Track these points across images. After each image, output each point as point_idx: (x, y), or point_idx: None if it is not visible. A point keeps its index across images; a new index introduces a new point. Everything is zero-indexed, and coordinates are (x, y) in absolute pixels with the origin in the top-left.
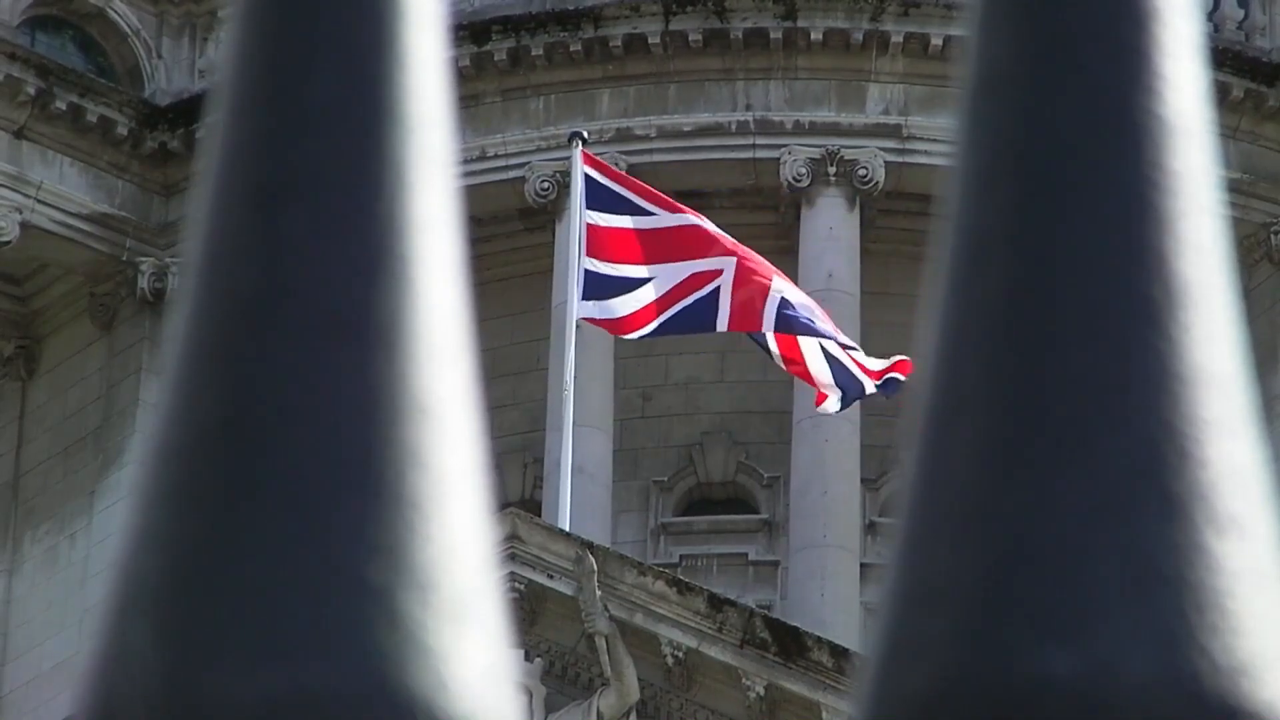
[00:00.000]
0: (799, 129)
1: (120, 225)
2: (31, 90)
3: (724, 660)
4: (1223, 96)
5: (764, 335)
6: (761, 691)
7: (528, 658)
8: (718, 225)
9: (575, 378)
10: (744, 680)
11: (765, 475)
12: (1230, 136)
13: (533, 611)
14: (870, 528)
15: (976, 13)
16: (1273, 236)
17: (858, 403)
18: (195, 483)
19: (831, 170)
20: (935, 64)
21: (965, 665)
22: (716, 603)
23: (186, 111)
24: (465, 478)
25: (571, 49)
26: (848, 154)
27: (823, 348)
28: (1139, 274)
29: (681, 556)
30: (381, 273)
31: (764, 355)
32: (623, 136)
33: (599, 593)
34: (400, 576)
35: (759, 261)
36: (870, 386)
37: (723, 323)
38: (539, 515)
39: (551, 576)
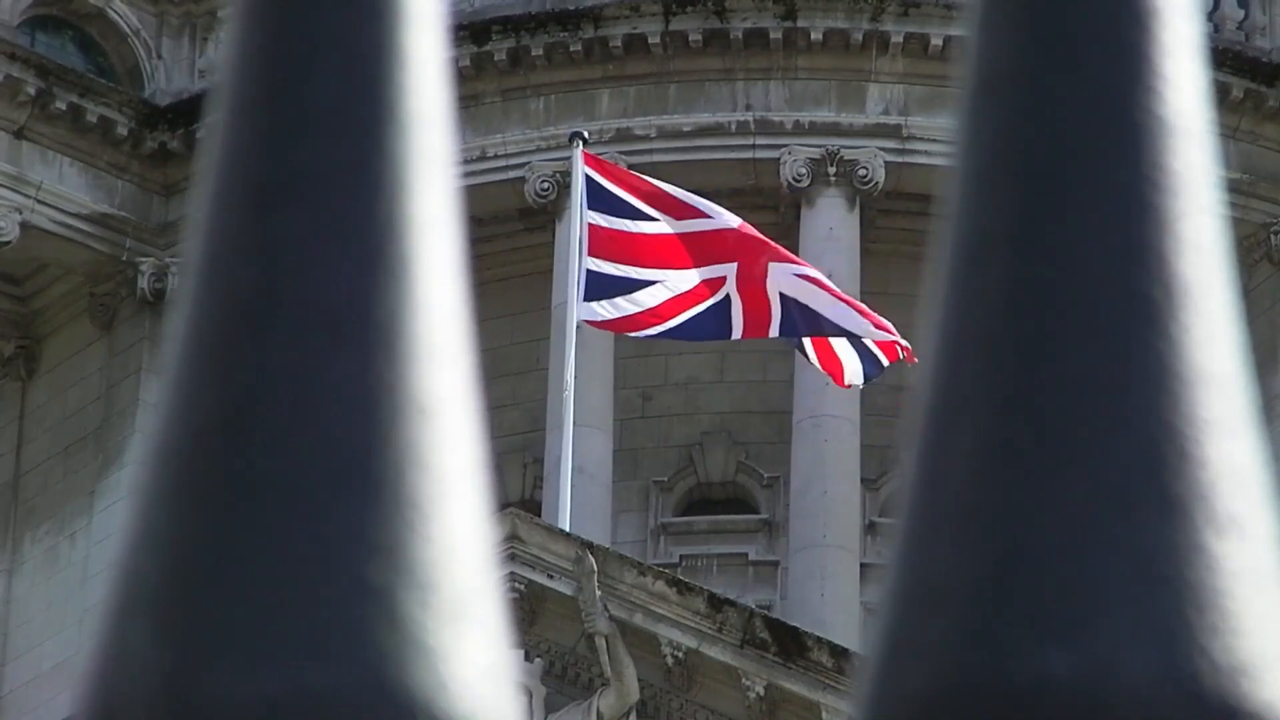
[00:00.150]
0: (799, 129)
1: (120, 225)
2: (31, 90)
3: (724, 660)
4: (1223, 96)
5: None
6: (761, 691)
7: (528, 658)
8: None
9: (575, 378)
10: (744, 680)
11: (765, 475)
12: (1230, 136)
13: (533, 611)
14: (870, 528)
15: (976, 13)
16: (1273, 236)
17: (858, 403)
18: (195, 483)
19: (831, 170)
20: (935, 64)
21: (965, 665)
22: (716, 603)
23: (186, 111)
24: (465, 478)
25: (571, 49)
26: (848, 154)
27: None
28: (1139, 274)
29: (681, 556)
30: (381, 273)
31: (764, 355)
32: (623, 136)
33: (599, 593)
34: (400, 576)
35: (756, 250)
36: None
37: (737, 330)
38: (539, 515)
39: (551, 576)
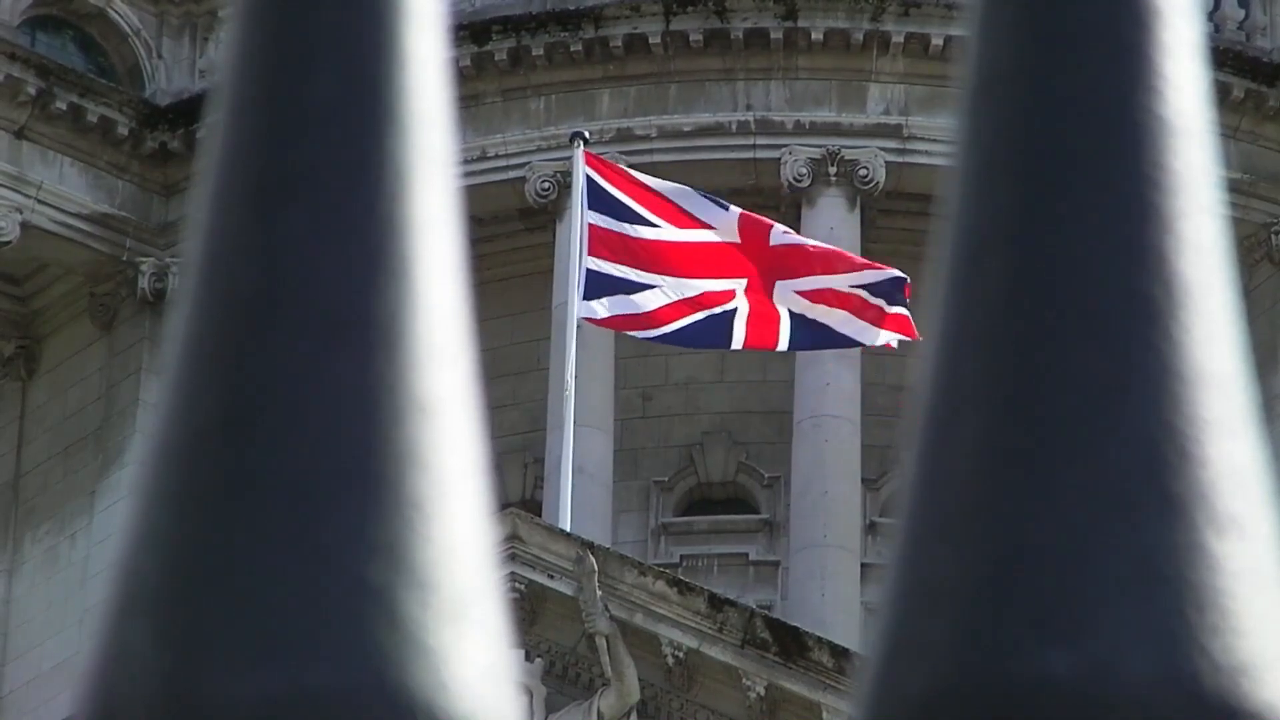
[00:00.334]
0: (799, 129)
1: (120, 225)
2: (32, 90)
3: (724, 660)
4: (1223, 96)
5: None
6: (762, 692)
7: (528, 658)
8: None
9: (575, 378)
10: (744, 680)
11: (765, 475)
12: (1230, 136)
13: (533, 611)
14: (870, 528)
15: (976, 13)
16: (1273, 236)
17: (858, 403)
18: (195, 483)
19: (832, 170)
20: (935, 64)
21: (965, 665)
22: (717, 603)
23: (186, 111)
24: (465, 478)
25: (572, 49)
26: (848, 154)
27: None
28: (1139, 274)
29: (682, 556)
30: (381, 273)
31: (764, 356)
32: (623, 136)
33: (599, 593)
34: (400, 576)
35: (763, 263)
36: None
37: (738, 341)
38: (539, 515)
39: (552, 576)
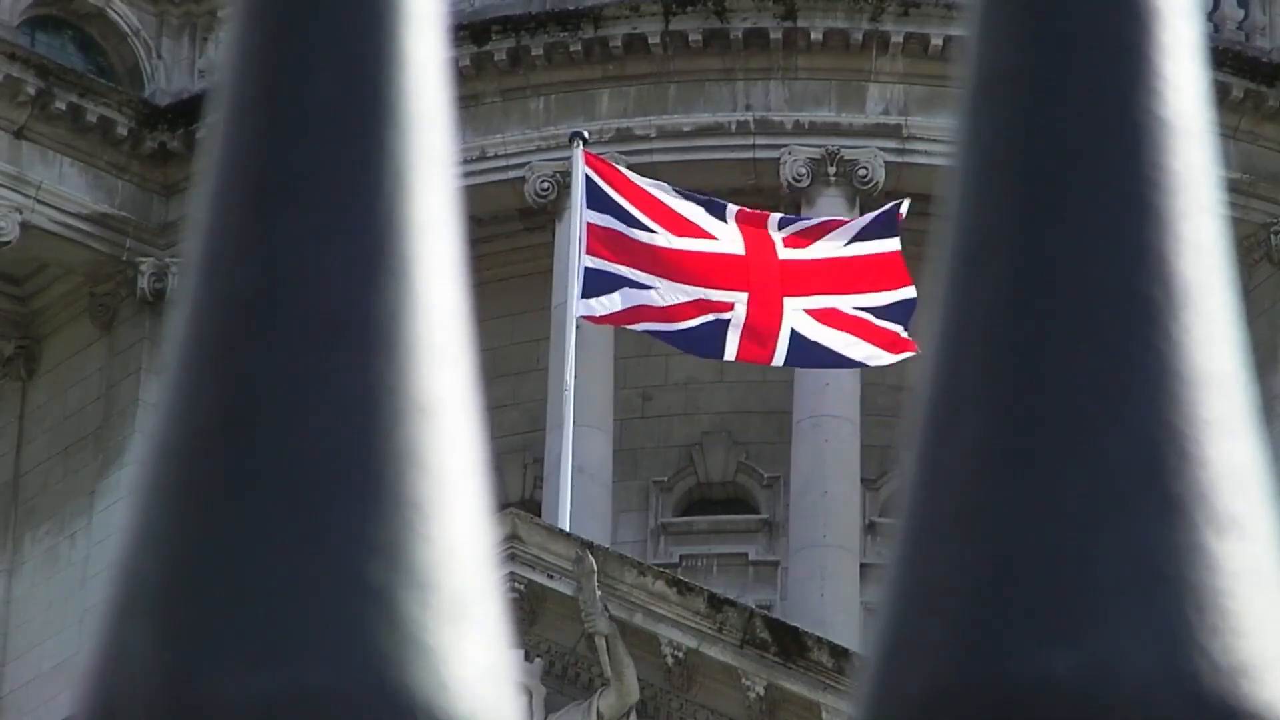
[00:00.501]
0: (799, 129)
1: (120, 225)
2: (31, 90)
3: (724, 660)
4: (1223, 96)
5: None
6: (761, 691)
7: (528, 658)
8: None
9: (575, 378)
10: (744, 680)
11: (765, 475)
12: (1230, 136)
13: (533, 611)
14: (870, 528)
15: (976, 13)
16: (1273, 236)
17: (858, 403)
18: (195, 483)
19: (831, 170)
20: (935, 64)
21: (965, 665)
22: (716, 603)
23: (186, 111)
24: (465, 478)
25: (571, 49)
26: (848, 154)
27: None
28: (1139, 274)
29: (681, 556)
30: (381, 273)
31: None
32: (623, 136)
33: (599, 593)
34: (400, 576)
35: (769, 278)
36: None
37: (730, 353)
38: (539, 515)
39: (551, 576)
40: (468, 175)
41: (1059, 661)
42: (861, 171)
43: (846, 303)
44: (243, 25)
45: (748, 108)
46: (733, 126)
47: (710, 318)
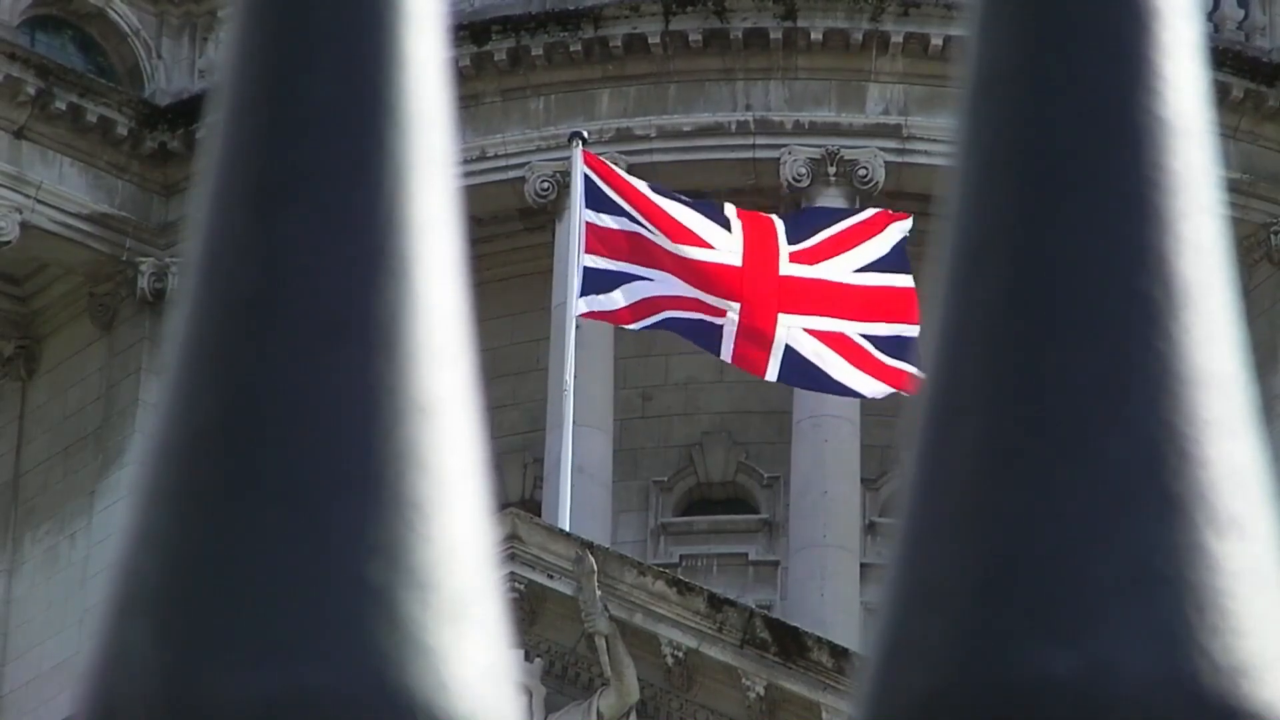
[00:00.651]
0: (799, 129)
1: (120, 225)
2: (31, 90)
3: (724, 660)
4: (1223, 96)
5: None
6: (761, 691)
7: (528, 658)
8: None
9: (575, 377)
10: (744, 680)
11: (765, 475)
12: (1230, 136)
13: (533, 611)
14: (870, 528)
15: (976, 13)
16: (1273, 236)
17: (858, 403)
18: (195, 483)
19: (831, 170)
20: (935, 64)
21: (965, 665)
22: (716, 603)
23: (186, 111)
24: (465, 478)
25: (571, 49)
26: (848, 154)
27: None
28: (1139, 274)
29: (681, 556)
30: (381, 273)
31: None
32: (623, 136)
33: (599, 593)
34: (400, 576)
35: (764, 292)
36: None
37: (727, 354)
38: (539, 515)
39: (551, 576)
40: (468, 175)
41: (1059, 661)
42: (861, 171)
43: (852, 328)
44: (243, 25)
45: (748, 108)
46: (733, 126)
47: (706, 317)
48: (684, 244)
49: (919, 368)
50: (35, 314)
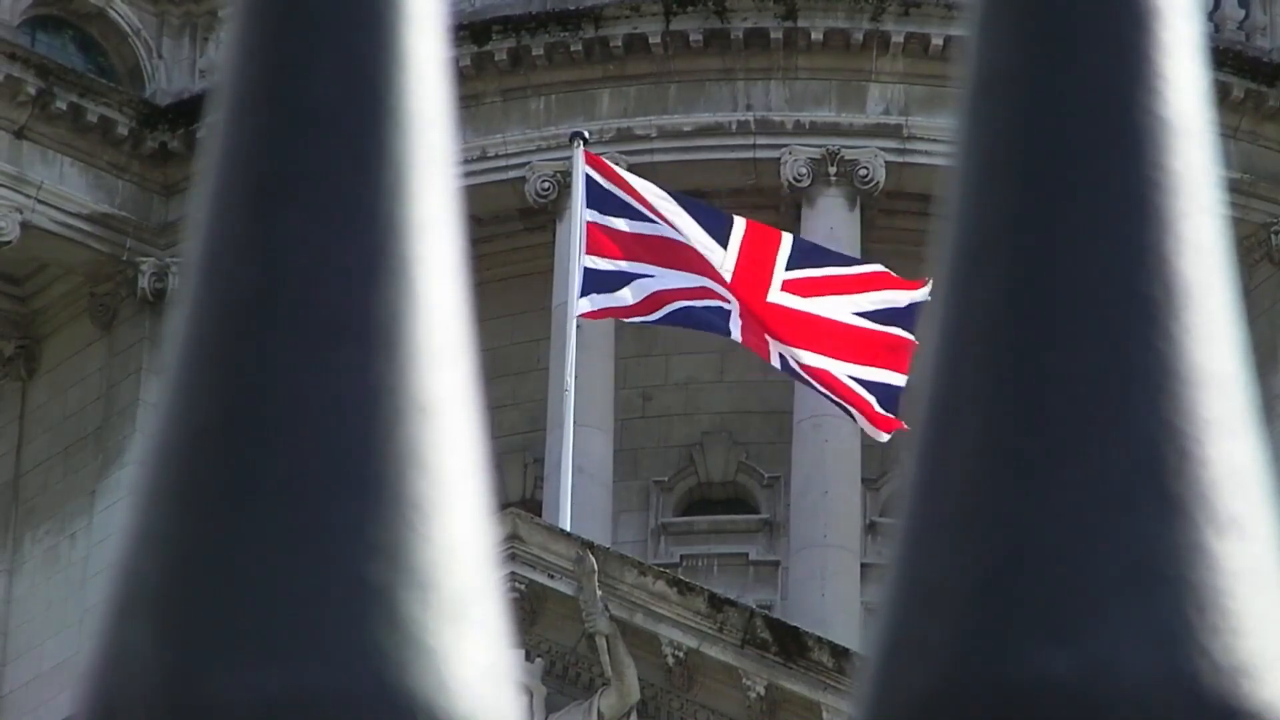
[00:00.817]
0: (799, 129)
1: (120, 225)
2: (32, 90)
3: (724, 660)
4: (1223, 96)
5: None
6: (762, 691)
7: (528, 658)
8: None
9: (575, 378)
10: (744, 680)
11: (765, 475)
12: (1230, 136)
13: (533, 611)
14: (871, 528)
15: (976, 13)
16: (1273, 236)
17: None
18: (195, 483)
19: (832, 170)
20: (935, 64)
21: (965, 665)
22: (717, 603)
23: (187, 111)
24: (465, 478)
25: (572, 49)
26: (848, 154)
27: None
28: (1139, 274)
29: (682, 556)
30: (381, 273)
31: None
32: (623, 136)
33: (599, 593)
34: (400, 576)
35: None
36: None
37: (736, 334)
38: (539, 515)
39: (552, 576)
40: (468, 175)
41: (1059, 661)
42: (862, 171)
43: (839, 368)
44: (243, 25)
45: (748, 108)
46: (733, 126)
47: (714, 302)
48: (685, 235)
49: (905, 413)
50: (35, 314)
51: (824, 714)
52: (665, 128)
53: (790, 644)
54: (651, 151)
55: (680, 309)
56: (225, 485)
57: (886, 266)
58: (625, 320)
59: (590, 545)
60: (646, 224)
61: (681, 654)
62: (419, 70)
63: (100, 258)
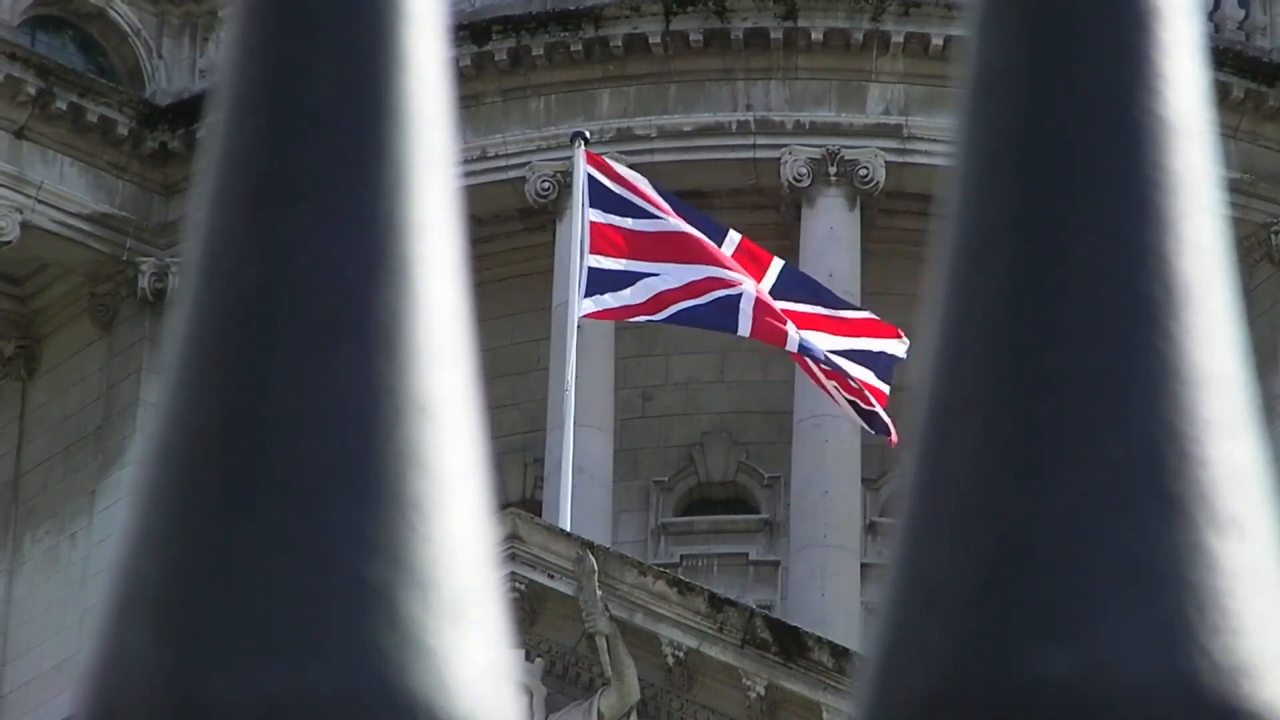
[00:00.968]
0: (799, 129)
1: (120, 225)
2: (32, 90)
3: (724, 660)
4: (1223, 96)
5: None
6: (762, 691)
7: (528, 658)
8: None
9: (575, 378)
10: (744, 680)
11: (765, 475)
12: (1230, 136)
13: (533, 611)
14: (871, 528)
15: (976, 13)
16: (1273, 236)
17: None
18: (195, 483)
19: (832, 170)
20: (935, 64)
21: (965, 665)
22: (717, 603)
23: (187, 111)
24: (465, 478)
25: (572, 49)
26: (848, 154)
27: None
28: (1139, 274)
29: (682, 556)
30: (381, 273)
31: (764, 355)
32: (623, 136)
33: (599, 593)
34: (400, 576)
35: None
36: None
37: (744, 328)
38: (539, 515)
39: (552, 576)
40: (468, 175)
41: (1059, 661)
42: (862, 171)
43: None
44: (243, 25)
45: (748, 108)
46: (733, 126)
47: (721, 293)
48: (688, 225)
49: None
50: (35, 314)
51: (824, 714)
52: (665, 128)
53: (790, 644)
54: (651, 151)
55: (685, 309)
56: (225, 485)
57: (887, 266)
58: (629, 320)
59: (590, 545)
60: (650, 220)
61: (681, 654)
62: (419, 70)
63: (100, 258)
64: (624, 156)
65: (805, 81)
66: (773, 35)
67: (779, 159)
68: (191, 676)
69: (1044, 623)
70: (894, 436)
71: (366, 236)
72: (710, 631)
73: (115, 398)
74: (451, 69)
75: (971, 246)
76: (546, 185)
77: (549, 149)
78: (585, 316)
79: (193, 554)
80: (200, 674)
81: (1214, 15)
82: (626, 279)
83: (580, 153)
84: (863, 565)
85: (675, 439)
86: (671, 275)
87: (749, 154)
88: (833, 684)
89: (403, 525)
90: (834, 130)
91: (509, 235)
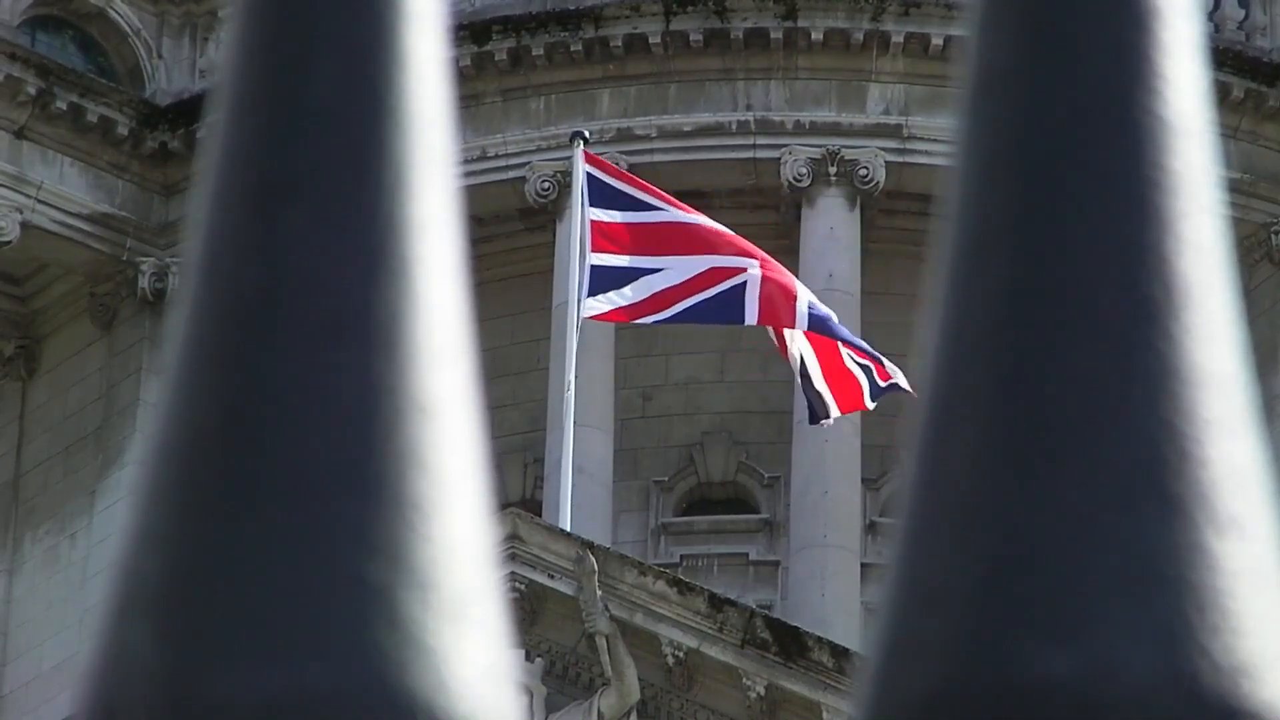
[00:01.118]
0: (799, 129)
1: (120, 225)
2: (32, 90)
3: (724, 660)
4: (1223, 96)
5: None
6: (762, 691)
7: (528, 658)
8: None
9: (575, 378)
10: (744, 680)
11: (765, 475)
12: (1230, 136)
13: (533, 611)
14: (871, 528)
15: (976, 13)
16: (1273, 236)
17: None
18: (195, 483)
19: (832, 170)
20: (935, 64)
21: (965, 665)
22: (717, 603)
23: (187, 111)
24: (465, 478)
25: (572, 49)
26: (848, 154)
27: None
28: (1139, 274)
29: (682, 556)
30: (381, 273)
31: (764, 355)
32: (623, 136)
33: (599, 593)
34: (400, 576)
35: (777, 266)
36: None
37: (751, 316)
38: (539, 515)
39: (552, 576)
40: (468, 175)
41: (1059, 661)
42: (862, 171)
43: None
44: (243, 25)
45: (748, 107)
46: (733, 126)
47: (726, 285)
48: (694, 213)
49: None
50: (35, 314)
51: (824, 714)
52: (665, 128)
53: (790, 644)
54: (651, 151)
55: (690, 307)
56: (225, 485)
57: (886, 266)
58: (634, 320)
59: (590, 545)
60: (652, 213)
61: (681, 654)
62: (419, 70)
63: (100, 258)
64: (624, 156)
65: (805, 81)
66: (773, 35)
67: (779, 159)
68: (191, 676)
69: (1044, 623)
70: (911, 390)
71: (366, 236)
72: (710, 631)
73: (115, 398)
74: (451, 69)
75: (971, 246)
76: (546, 185)
77: (549, 149)
78: (591, 318)
79: (193, 554)
80: (200, 674)
81: (1214, 15)
82: (629, 276)
83: (579, 153)
84: (863, 565)
85: (675, 439)
86: (675, 270)
87: (749, 154)
88: (833, 684)
89: (403, 525)
90: (834, 130)
91: (509, 235)
